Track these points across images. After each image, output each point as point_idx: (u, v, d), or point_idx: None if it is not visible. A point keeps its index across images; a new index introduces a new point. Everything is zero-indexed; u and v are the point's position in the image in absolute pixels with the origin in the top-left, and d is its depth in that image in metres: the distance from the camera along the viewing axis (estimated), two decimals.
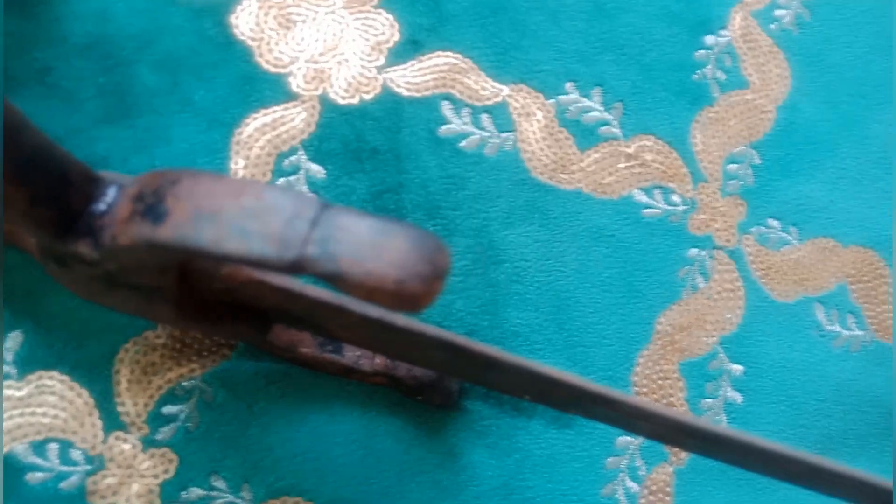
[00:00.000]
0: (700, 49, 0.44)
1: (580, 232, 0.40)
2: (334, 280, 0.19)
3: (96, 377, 0.35)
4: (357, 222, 0.20)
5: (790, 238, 0.42)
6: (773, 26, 0.45)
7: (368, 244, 0.19)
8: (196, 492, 0.34)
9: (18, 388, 0.34)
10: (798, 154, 0.43)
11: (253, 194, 0.20)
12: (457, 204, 0.40)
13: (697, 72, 0.44)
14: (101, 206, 0.25)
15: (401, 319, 0.26)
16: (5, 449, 0.33)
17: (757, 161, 0.43)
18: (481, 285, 0.39)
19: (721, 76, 0.44)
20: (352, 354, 0.35)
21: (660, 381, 0.39)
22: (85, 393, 0.35)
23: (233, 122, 0.39)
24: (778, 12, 0.46)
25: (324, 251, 0.19)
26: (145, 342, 0.36)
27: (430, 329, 0.26)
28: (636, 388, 0.38)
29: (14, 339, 0.35)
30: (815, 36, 0.46)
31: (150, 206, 0.21)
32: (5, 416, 0.34)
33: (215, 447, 0.35)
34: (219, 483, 0.34)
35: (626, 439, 0.37)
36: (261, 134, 0.39)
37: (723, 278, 0.41)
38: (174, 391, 0.35)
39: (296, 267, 0.20)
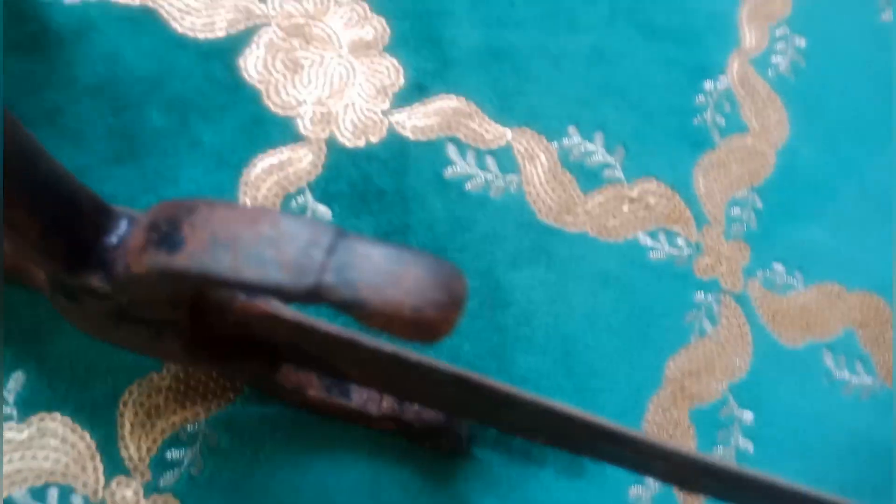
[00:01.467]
0: (699, 94, 0.45)
1: (587, 275, 0.40)
2: (351, 308, 0.19)
3: (99, 420, 0.34)
4: (373, 250, 0.20)
5: (795, 283, 0.42)
6: (769, 73, 0.46)
7: (385, 272, 0.19)
8: None
9: (20, 431, 0.34)
10: (799, 198, 0.44)
11: (269, 222, 0.20)
12: (463, 245, 0.40)
13: (697, 116, 0.44)
14: (113, 239, 0.25)
15: (414, 355, 0.26)
16: (4, 494, 0.32)
17: (759, 205, 0.43)
18: (489, 328, 0.38)
19: (721, 121, 0.44)
20: (359, 398, 0.34)
21: (670, 429, 0.38)
22: (87, 436, 0.34)
23: (240, 162, 0.39)
24: (774, 59, 0.47)
25: (341, 279, 0.19)
26: (150, 384, 0.35)
27: (444, 365, 0.26)
28: None
29: (16, 380, 0.34)
30: (811, 82, 0.46)
31: (166, 235, 0.21)
32: (5, 459, 0.33)
33: (219, 494, 0.34)
34: None
35: (637, 490, 0.37)
36: (268, 175, 0.39)
37: (730, 323, 0.41)
38: (178, 435, 0.35)
39: (313, 294, 0.19)
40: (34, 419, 0.34)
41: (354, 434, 0.36)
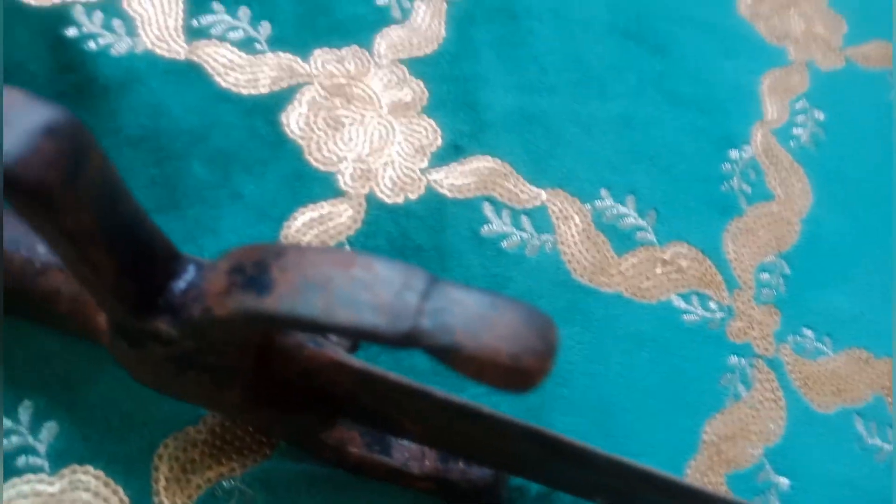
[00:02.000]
0: (725, 162, 0.46)
1: (623, 335, 0.40)
2: (447, 353, 0.19)
3: (134, 474, 0.33)
4: (467, 295, 0.20)
5: (825, 348, 0.43)
6: (791, 143, 0.48)
7: (481, 317, 0.19)
8: None
9: (51, 484, 0.33)
10: (825, 265, 0.45)
11: (362, 265, 0.20)
12: None
13: (724, 183, 0.45)
14: (182, 284, 0.25)
15: (486, 408, 0.26)
16: None
17: (787, 271, 0.44)
18: None
19: (747, 188, 0.46)
20: (400, 456, 0.34)
21: None
22: (121, 490, 0.33)
23: (282, 216, 0.39)
24: (796, 131, 0.48)
25: (436, 323, 0.19)
26: (186, 438, 0.34)
27: (517, 420, 0.26)
28: None
29: (48, 430, 0.33)
30: (831, 153, 0.48)
31: (253, 278, 0.21)
32: None
33: None
34: None
35: None
36: (308, 228, 0.39)
37: (764, 387, 0.41)
38: (214, 492, 0.34)
39: (409, 339, 0.19)
40: (66, 472, 0.33)
41: (392, 494, 0.35)
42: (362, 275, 0.20)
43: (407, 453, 0.34)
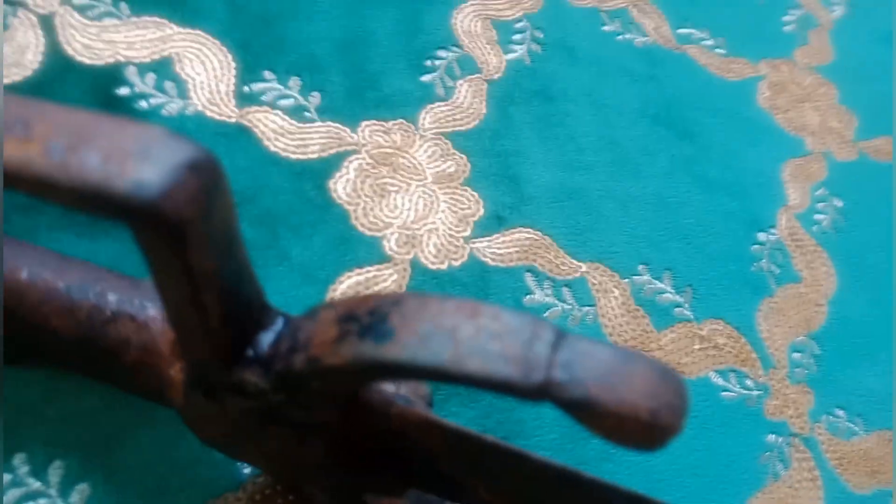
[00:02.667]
0: (755, 244, 0.47)
1: None
2: (581, 407, 0.19)
3: None
4: (597, 349, 0.20)
5: (857, 429, 0.43)
6: (814, 228, 0.49)
7: (614, 371, 0.19)
8: None
9: None
10: (854, 346, 0.45)
11: (489, 315, 0.20)
12: None
13: (755, 264, 0.46)
14: (270, 336, 0.24)
15: (586, 473, 0.25)
16: None
17: (817, 351, 0.45)
18: (571, 462, 0.37)
19: (775, 270, 0.47)
20: None
21: None
22: None
23: (328, 279, 0.39)
24: (817, 216, 0.50)
25: (569, 376, 0.19)
26: None
27: (617, 484, 0.25)
28: None
29: (80, 493, 0.32)
30: (852, 239, 0.49)
31: (370, 326, 0.21)
32: None
33: None
34: None
35: None
36: (354, 292, 0.39)
37: (801, 466, 0.41)
38: None
39: (542, 391, 0.19)
40: None
41: None
42: (490, 324, 0.20)
43: None
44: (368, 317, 0.21)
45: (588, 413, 0.19)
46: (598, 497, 0.26)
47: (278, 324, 0.25)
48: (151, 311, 0.27)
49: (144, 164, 0.18)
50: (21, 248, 0.28)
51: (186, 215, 0.18)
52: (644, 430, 0.19)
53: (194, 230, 0.19)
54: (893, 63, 0.58)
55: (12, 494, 0.31)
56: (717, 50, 0.55)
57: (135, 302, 0.27)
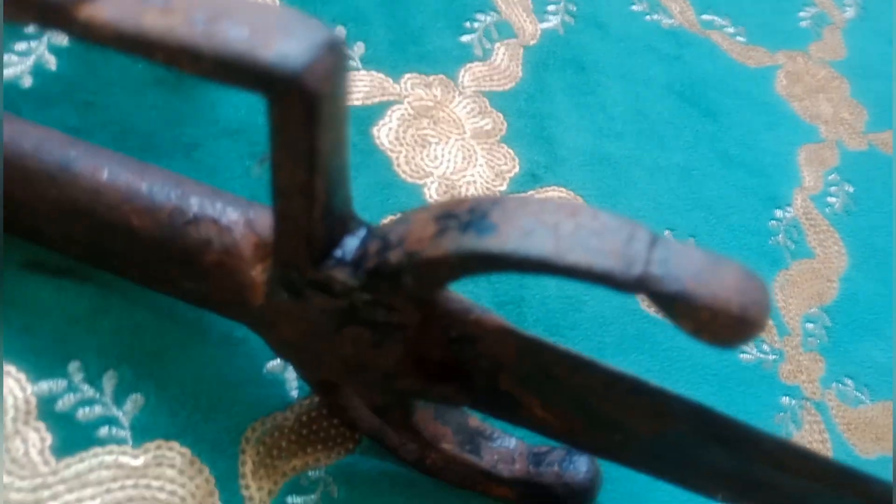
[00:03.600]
0: (772, 220, 0.49)
1: (686, 367, 0.41)
2: (676, 300, 0.20)
3: (220, 455, 0.32)
4: (689, 250, 0.21)
5: (863, 398, 0.45)
6: (827, 210, 0.51)
7: (707, 269, 0.20)
8: None
9: (134, 457, 0.31)
10: (862, 321, 0.47)
11: (588, 215, 0.21)
12: (574, 324, 0.41)
13: (772, 238, 0.48)
14: (356, 241, 0.25)
15: (653, 383, 0.26)
16: None
17: (829, 323, 0.47)
18: None
19: (791, 245, 0.48)
20: (490, 458, 0.34)
21: None
22: (207, 470, 0.32)
23: (371, 221, 0.40)
24: (830, 199, 0.52)
25: (666, 271, 0.20)
26: (273, 423, 0.34)
27: (682, 395, 0.26)
28: None
29: (134, 402, 0.32)
30: (861, 223, 0.52)
31: (470, 222, 0.22)
32: (116, 485, 0.31)
33: None
34: None
35: None
36: None
37: (812, 429, 0.42)
38: (299, 480, 0.33)
39: (640, 284, 0.20)
40: (151, 446, 0.32)
41: (473, 502, 0.34)
42: (589, 223, 0.21)
43: (496, 455, 0.34)
44: (468, 214, 0.22)
45: (683, 305, 0.20)
46: (659, 411, 0.27)
47: (362, 231, 0.26)
48: (233, 215, 0.27)
49: (288, 39, 0.19)
50: (102, 152, 0.29)
51: (324, 90, 0.19)
52: (734, 324, 0.20)
53: (327, 107, 0.20)
54: (893, 63, 0.61)
55: (67, 399, 0.31)
56: (738, 38, 0.57)
57: (217, 206, 0.27)
